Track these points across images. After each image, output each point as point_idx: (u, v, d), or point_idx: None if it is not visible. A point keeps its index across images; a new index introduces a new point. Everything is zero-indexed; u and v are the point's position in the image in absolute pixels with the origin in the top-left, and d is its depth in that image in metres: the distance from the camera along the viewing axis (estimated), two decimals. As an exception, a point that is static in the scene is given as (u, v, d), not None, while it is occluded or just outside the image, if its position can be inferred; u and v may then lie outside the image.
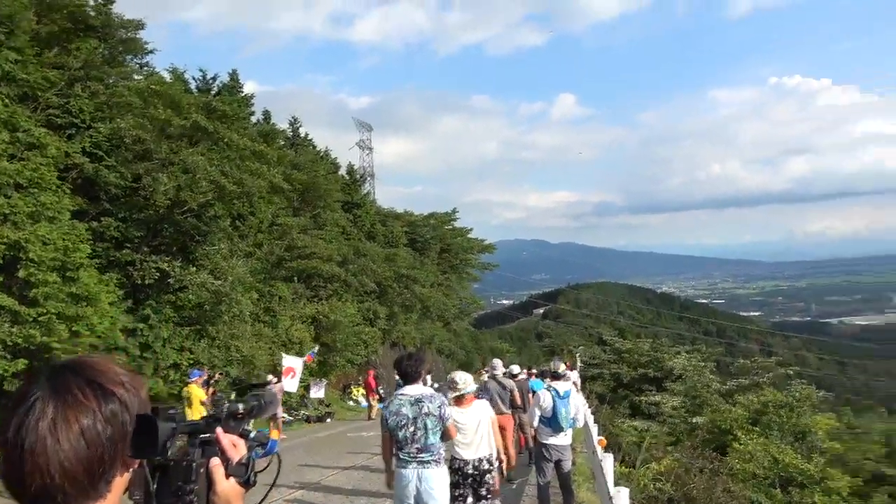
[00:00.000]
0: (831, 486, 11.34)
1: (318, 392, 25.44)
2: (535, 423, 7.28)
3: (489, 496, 5.80)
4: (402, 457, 5.03)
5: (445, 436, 5.21)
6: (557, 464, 7.18)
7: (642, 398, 23.78)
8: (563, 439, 7.19)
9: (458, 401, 5.80)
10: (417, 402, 5.03)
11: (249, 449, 1.48)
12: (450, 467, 5.56)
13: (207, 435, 1.38)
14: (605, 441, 8.76)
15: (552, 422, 7.06)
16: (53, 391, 1.03)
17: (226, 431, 1.40)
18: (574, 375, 20.31)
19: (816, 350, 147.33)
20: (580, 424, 7.51)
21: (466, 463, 5.75)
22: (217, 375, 16.02)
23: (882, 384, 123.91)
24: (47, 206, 11.67)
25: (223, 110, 15.98)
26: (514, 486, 10.00)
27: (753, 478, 11.43)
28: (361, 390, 29.53)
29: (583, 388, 32.42)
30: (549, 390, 7.21)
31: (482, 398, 10.37)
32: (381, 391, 29.68)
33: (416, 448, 4.98)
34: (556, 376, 7.36)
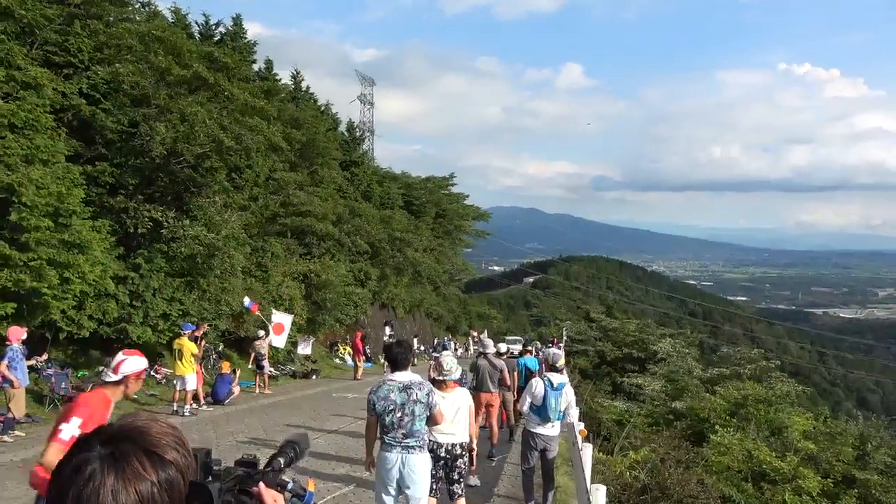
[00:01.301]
0: (802, 485, 11.56)
1: (305, 349, 25.64)
2: (525, 410, 7.30)
3: (460, 480, 5.93)
4: (387, 440, 5.08)
5: (431, 421, 5.27)
6: (542, 452, 7.25)
7: (625, 379, 24.09)
8: (551, 430, 7.22)
9: (440, 385, 5.85)
10: (406, 388, 5.08)
11: (287, 501, 1.49)
12: None
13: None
14: (586, 431, 8.85)
15: (541, 411, 7.08)
16: (112, 460, 1.05)
17: (266, 485, 1.42)
18: (560, 353, 20.44)
19: (798, 339, 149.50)
20: (571, 419, 7.51)
21: (440, 446, 5.85)
22: (205, 327, 16.04)
23: (858, 377, 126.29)
24: (42, 148, 11.46)
25: (225, 62, 15.61)
26: (494, 463, 10.17)
27: (727, 470, 11.65)
28: (348, 349, 29.80)
29: (567, 363, 32.88)
30: (542, 379, 7.23)
31: (465, 383, 10.49)
32: (368, 351, 30.00)
33: (402, 433, 5.04)
34: (554, 368, 7.36)
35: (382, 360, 28.55)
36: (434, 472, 5.76)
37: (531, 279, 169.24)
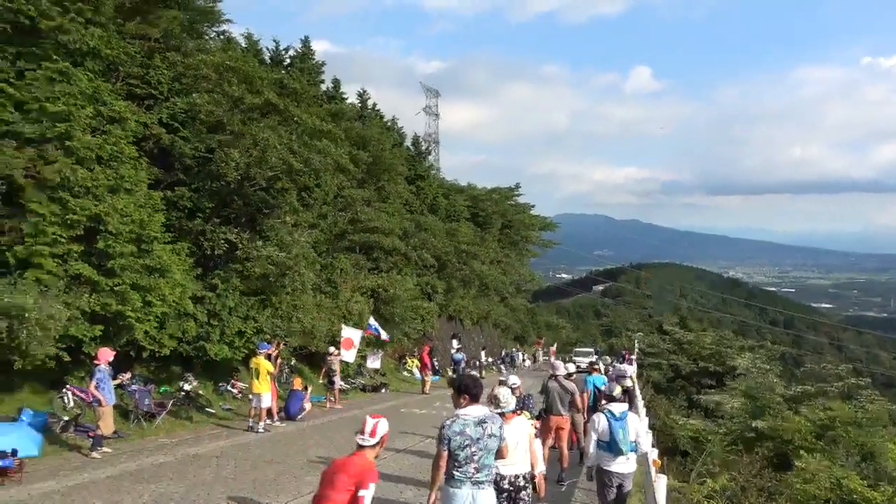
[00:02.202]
0: (898, 518, 10.74)
1: (374, 362, 26.01)
2: (592, 450, 7.02)
3: None
4: (457, 476, 5.04)
5: (497, 455, 5.23)
6: (618, 487, 6.99)
7: (701, 396, 23.19)
8: (626, 466, 6.88)
9: (501, 417, 5.85)
10: (481, 423, 5.07)
11: None
12: None
13: None
14: (660, 462, 8.53)
15: (611, 446, 6.79)
16: None
17: None
18: (631, 369, 19.94)
19: (891, 349, 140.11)
20: (644, 449, 7.09)
21: (503, 478, 5.86)
22: (281, 346, 16.54)
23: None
24: (125, 178, 12.11)
25: (294, 87, 16.12)
26: (564, 489, 9.96)
27: (813, 499, 10.97)
28: (416, 362, 30.04)
29: (639, 377, 32.01)
30: (603, 412, 6.98)
31: (529, 407, 10.30)
32: (436, 364, 30.17)
33: (474, 468, 5.01)
34: (611, 398, 7.08)
35: (451, 372, 28.67)
36: None
37: (601, 287, 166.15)
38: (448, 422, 5.13)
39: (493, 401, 5.90)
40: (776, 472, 13.51)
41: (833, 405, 16.08)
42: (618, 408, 6.91)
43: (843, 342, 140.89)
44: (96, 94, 12.02)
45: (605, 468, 6.96)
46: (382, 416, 4.54)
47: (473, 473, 5.00)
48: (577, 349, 46.65)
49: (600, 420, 6.91)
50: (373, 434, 4.30)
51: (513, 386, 9.11)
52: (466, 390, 5.23)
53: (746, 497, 9.92)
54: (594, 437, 6.96)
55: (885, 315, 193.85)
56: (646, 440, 7.03)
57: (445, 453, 5.10)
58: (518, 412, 6.36)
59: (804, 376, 23.13)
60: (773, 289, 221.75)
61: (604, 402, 7.25)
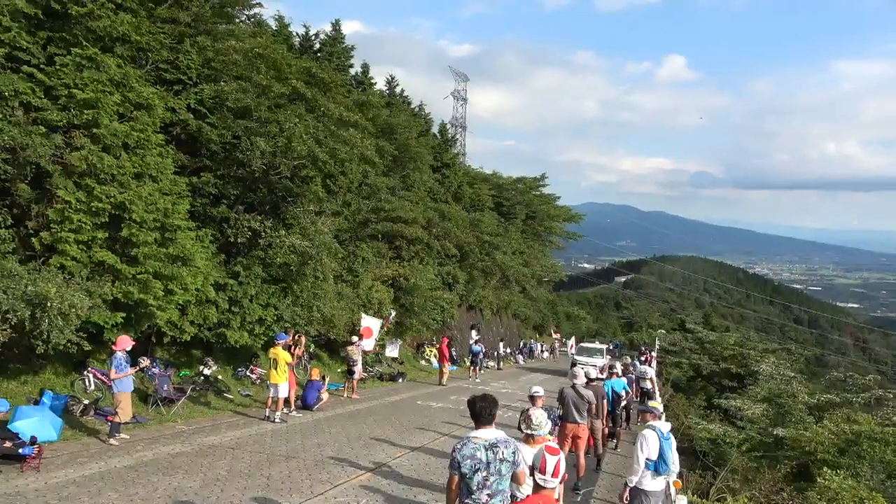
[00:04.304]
0: (926, 545, 10.40)
1: (393, 351, 26.07)
2: (640, 467, 6.65)
3: None
4: (469, 502, 4.93)
5: (514, 479, 5.10)
6: None
7: (722, 400, 22.83)
8: (662, 484, 6.70)
9: (528, 439, 5.68)
10: (492, 447, 4.92)
11: None
12: None
13: None
14: (681, 483, 8.33)
15: (659, 465, 6.53)
16: None
17: None
18: (650, 371, 19.70)
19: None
20: (678, 468, 6.89)
21: None
22: (298, 337, 16.57)
23: None
24: (151, 165, 12.12)
25: (322, 77, 15.99)
26: (580, 498, 9.84)
27: (837, 521, 10.70)
28: (434, 351, 30.08)
29: (659, 375, 31.58)
30: (655, 431, 6.66)
31: (551, 418, 10.14)
32: (455, 354, 30.17)
33: (488, 494, 4.88)
34: (650, 400, 6.84)
35: (468, 363, 28.65)
36: None
37: (623, 279, 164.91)
38: (459, 445, 5.00)
39: (526, 421, 5.75)
40: (796, 482, 13.23)
41: (859, 418, 15.70)
42: (665, 426, 6.70)
43: (868, 344, 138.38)
44: (125, 80, 12.00)
45: (641, 488, 6.70)
46: (559, 450, 4.60)
47: (488, 500, 4.87)
48: (583, 344, 38.54)
49: (651, 437, 6.64)
50: (555, 475, 4.34)
51: (535, 395, 8.92)
52: (471, 408, 5.10)
53: (767, 517, 9.72)
54: (643, 455, 6.63)
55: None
56: (677, 458, 6.84)
57: (457, 478, 4.97)
58: (550, 436, 6.16)
59: (829, 385, 22.58)
60: (799, 287, 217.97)
61: (651, 417, 6.95)
